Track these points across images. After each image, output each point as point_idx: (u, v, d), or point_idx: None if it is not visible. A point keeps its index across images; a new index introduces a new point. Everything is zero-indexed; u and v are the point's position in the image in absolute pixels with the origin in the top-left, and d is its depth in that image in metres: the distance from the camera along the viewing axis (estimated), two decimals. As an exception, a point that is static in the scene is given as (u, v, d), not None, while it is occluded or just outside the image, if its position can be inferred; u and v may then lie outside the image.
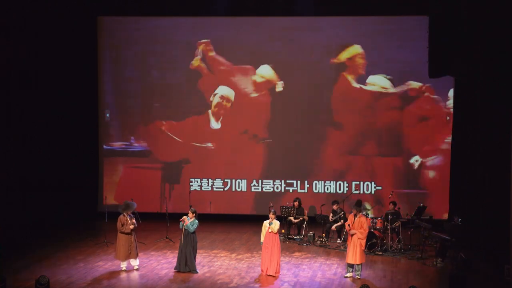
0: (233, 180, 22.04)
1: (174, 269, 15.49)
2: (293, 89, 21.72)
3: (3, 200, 18.30)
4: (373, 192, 21.40)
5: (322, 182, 21.70)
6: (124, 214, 15.73)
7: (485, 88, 17.28)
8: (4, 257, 16.37)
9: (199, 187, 22.07)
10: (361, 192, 21.38)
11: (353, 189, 21.41)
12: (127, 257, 15.62)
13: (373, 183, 21.49)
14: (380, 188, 21.37)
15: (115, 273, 15.42)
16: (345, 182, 21.62)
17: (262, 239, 15.40)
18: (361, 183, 21.54)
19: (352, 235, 15.07)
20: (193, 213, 15.45)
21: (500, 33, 15.81)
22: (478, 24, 16.13)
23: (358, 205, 15.69)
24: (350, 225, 15.12)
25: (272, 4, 21.52)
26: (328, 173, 21.65)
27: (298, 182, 21.79)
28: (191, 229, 15.31)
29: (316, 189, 21.69)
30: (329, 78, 21.59)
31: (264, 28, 21.84)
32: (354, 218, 15.19)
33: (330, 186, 21.67)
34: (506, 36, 15.63)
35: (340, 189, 21.55)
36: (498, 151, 16.25)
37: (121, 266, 15.74)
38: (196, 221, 15.42)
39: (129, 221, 15.66)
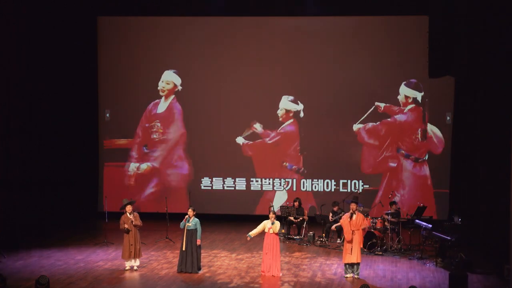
0: (233, 180, 22.03)
1: (178, 271, 15.42)
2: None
3: (3, 200, 18.28)
4: (360, 190, 21.39)
5: (310, 180, 21.74)
6: (125, 212, 15.68)
7: (485, 88, 17.29)
8: (4, 257, 16.41)
9: (199, 187, 22.07)
10: (349, 190, 21.41)
11: (353, 189, 21.43)
12: (129, 256, 15.60)
13: (360, 181, 21.47)
14: (367, 186, 21.37)
15: (115, 273, 15.42)
16: (333, 181, 21.61)
17: (251, 234, 15.33)
18: (348, 181, 21.53)
19: (364, 229, 15.00)
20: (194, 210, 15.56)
21: (500, 33, 15.81)
22: (478, 24, 16.13)
23: (356, 201, 15.63)
24: (349, 223, 15.09)
25: (274, 4, 21.53)
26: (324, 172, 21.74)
27: (294, 180, 21.81)
28: (180, 225, 15.43)
29: (304, 188, 21.75)
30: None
31: (265, 29, 21.87)
32: (352, 216, 15.15)
33: (317, 184, 21.71)
34: (506, 36, 15.64)
35: (327, 188, 21.58)
36: (498, 151, 16.26)
37: (125, 265, 15.73)
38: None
39: (131, 216, 15.60)
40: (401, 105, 21.32)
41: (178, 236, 16.99)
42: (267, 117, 21.90)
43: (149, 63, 22.18)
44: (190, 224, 15.35)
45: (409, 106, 21.28)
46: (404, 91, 21.29)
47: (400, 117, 21.35)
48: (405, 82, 21.25)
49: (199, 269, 15.44)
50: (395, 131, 21.35)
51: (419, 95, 21.20)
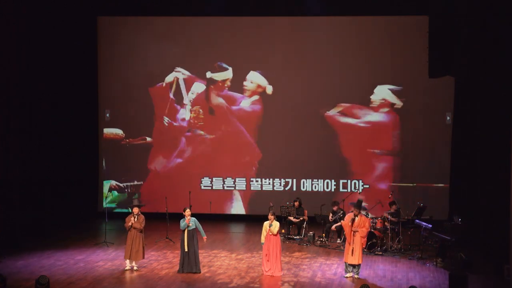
0: (233, 180, 22.04)
1: (178, 272, 15.42)
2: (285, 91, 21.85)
3: (3, 200, 18.28)
4: (360, 190, 21.38)
5: (310, 180, 21.75)
6: (132, 211, 15.69)
7: (485, 88, 17.28)
8: (4, 258, 16.41)
9: (199, 186, 22.07)
10: (348, 190, 21.42)
11: (353, 189, 21.44)
12: (129, 256, 15.58)
13: (360, 181, 21.49)
14: (367, 186, 21.39)
15: (115, 273, 15.42)
16: (333, 181, 21.63)
17: (262, 240, 15.39)
18: (348, 181, 21.55)
19: (354, 232, 15.04)
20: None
21: (500, 33, 15.81)
22: (478, 24, 16.13)
23: (358, 206, 15.64)
24: (350, 224, 15.09)
25: (274, 4, 21.53)
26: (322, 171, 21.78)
27: (294, 180, 21.82)
28: (181, 227, 15.43)
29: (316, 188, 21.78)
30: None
31: (263, 28, 21.89)
32: (354, 218, 15.16)
33: (317, 184, 21.73)
34: (506, 36, 15.63)
35: (327, 188, 21.60)
36: (498, 151, 16.25)
37: (126, 265, 15.73)
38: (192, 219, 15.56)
39: (132, 218, 15.60)
40: (376, 106, 21.48)
41: (178, 236, 16.96)
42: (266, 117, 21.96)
43: (149, 63, 22.18)
44: (190, 225, 15.38)
45: (385, 109, 21.41)
46: (385, 94, 21.37)
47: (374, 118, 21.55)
48: (389, 86, 21.34)
49: (199, 270, 15.47)
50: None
51: (398, 101, 21.31)
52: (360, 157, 21.53)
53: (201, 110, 22.03)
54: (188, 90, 22.09)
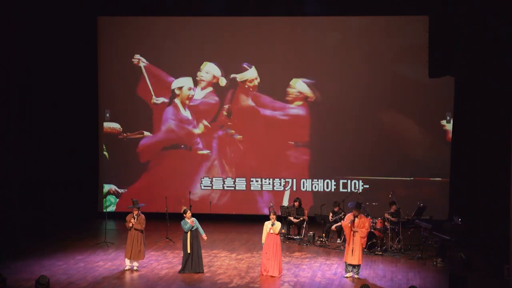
0: (233, 180, 22.03)
1: (180, 272, 15.44)
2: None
3: (3, 200, 18.29)
4: (360, 190, 21.36)
5: (310, 180, 21.75)
6: (132, 212, 15.71)
7: (485, 88, 17.29)
8: (4, 257, 16.41)
9: (199, 186, 22.07)
10: (348, 190, 21.40)
11: (353, 189, 21.43)
12: (129, 256, 15.59)
13: (360, 181, 21.48)
14: (367, 186, 21.38)
15: (115, 273, 15.43)
16: (333, 181, 21.63)
17: (263, 240, 15.39)
18: (348, 181, 21.54)
19: (354, 232, 15.06)
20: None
21: (500, 33, 15.81)
22: (478, 24, 16.14)
23: (358, 207, 15.63)
24: (350, 225, 15.11)
25: (274, 4, 21.53)
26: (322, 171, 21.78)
27: (294, 180, 21.81)
28: (186, 229, 15.42)
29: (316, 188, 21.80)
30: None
31: (263, 28, 21.88)
32: (354, 219, 15.16)
33: (317, 184, 21.72)
34: (506, 36, 15.63)
35: (327, 188, 21.60)
36: (498, 151, 16.26)
37: (126, 264, 15.73)
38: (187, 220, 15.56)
39: (132, 220, 15.62)
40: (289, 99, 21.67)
41: (178, 236, 16.99)
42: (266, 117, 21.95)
43: (149, 63, 22.17)
44: (193, 225, 15.41)
45: (298, 102, 21.60)
46: (301, 87, 21.51)
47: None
48: (303, 79, 21.44)
49: (202, 270, 15.49)
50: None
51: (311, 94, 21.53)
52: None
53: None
54: (150, 80, 22.05)
